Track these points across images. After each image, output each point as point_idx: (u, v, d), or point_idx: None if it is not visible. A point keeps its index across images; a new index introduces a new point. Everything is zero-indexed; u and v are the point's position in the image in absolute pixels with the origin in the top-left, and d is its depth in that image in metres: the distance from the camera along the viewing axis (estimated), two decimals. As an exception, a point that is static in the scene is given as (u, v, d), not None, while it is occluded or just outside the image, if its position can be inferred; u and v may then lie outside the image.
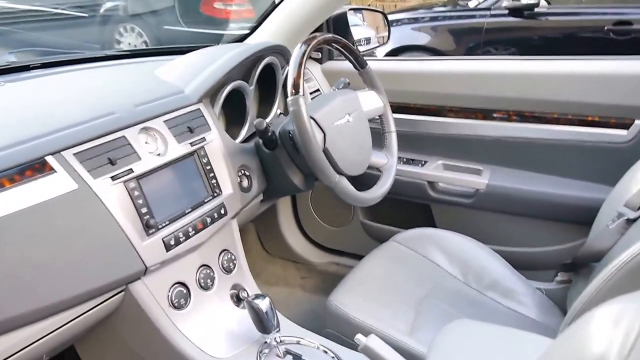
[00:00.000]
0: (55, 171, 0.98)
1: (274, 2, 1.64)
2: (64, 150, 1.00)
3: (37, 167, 0.96)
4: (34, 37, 3.86)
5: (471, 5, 4.81)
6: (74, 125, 1.04)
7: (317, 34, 1.32)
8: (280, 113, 1.59)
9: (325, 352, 1.21)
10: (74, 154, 1.01)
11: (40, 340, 1.00)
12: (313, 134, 1.21)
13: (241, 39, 1.73)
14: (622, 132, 1.55)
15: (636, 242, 0.94)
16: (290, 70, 1.22)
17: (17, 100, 1.19)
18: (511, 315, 1.37)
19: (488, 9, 4.59)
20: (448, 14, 4.94)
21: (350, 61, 1.46)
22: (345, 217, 2.01)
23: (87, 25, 4.34)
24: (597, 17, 4.21)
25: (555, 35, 4.33)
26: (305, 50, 1.24)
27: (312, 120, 1.24)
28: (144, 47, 3.86)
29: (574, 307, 1.02)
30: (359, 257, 1.54)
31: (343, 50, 1.43)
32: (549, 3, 4.45)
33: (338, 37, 1.39)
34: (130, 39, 4.18)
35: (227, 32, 4.02)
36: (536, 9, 4.29)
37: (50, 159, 0.97)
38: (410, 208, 1.83)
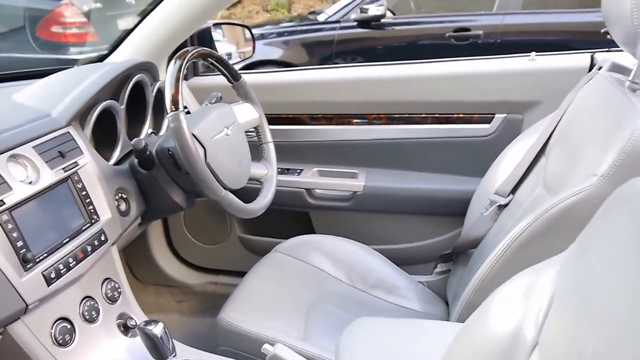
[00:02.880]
0: None
1: (138, 20, 1.60)
2: None
3: None
4: None
5: (320, 19, 4.99)
6: None
7: (189, 48, 1.31)
8: (152, 132, 1.55)
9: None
10: None
11: None
12: (196, 149, 1.19)
13: (100, 59, 1.66)
14: (485, 126, 1.70)
15: (509, 224, 1.05)
16: (168, 86, 1.19)
17: None
18: (397, 310, 1.45)
19: (337, 21, 4.80)
20: (299, 28, 5.08)
21: (225, 75, 1.46)
22: (222, 234, 1.99)
23: None
24: (439, 25, 4.60)
25: (402, 44, 4.65)
26: (181, 65, 1.22)
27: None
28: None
29: (466, 293, 1.11)
30: (239, 274, 1.54)
31: (217, 64, 1.42)
32: (393, 14, 4.76)
33: (212, 50, 1.38)
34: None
35: (67, 56, 3.80)
36: (382, 20, 4.57)
37: None
38: (289, 217, 1.86)
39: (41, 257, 1.04)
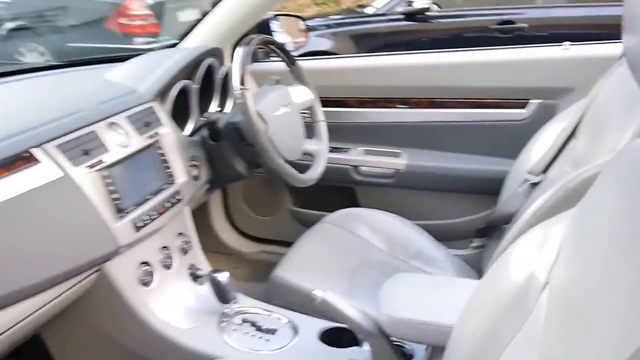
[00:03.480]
0: (39, 162, 1.08)
1: (206, 10, 1.79)
2: (45, 143, 1.11)
3: (23, 159, 1.07)
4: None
5: (368, 12, 5.13)
6: (48, 122, 1.15)
7: (252, 35, 1.49)
8: (218, 110, 1.74)
9: (279, 318, 1.37)
10: (55, 146, 1.12)
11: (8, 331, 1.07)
12: (259, 123, 1.37)
13: (173, 45, 1.86)
14: (521, 111, 1.81)
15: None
16: (236, 67, 1.37)
17: None
18: None
19: (384, 14, 4.93)
20: (347, 20, 5.23)
21: (283, 59, 1.64)
22: (274, 206, 2.17)
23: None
24: (483, 17, 4.68)
25: (447, 36, 4.74)
26: (247, 50, 1.41)
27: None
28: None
29: (490, 264, 1.24)
30: (288, 244, 1.68)
31: (276, 49, 1.60)
32: (439, 7, 4.86)
33: (272, 37, 1.57)
34: (31, 58, 4.11)
35: (133, 46, 4.06)
36: (427, 13, 4.69)
37: (34, 151, 1.08)
38: (336, 192, 2.02)
39: (131, 209, 1.24)
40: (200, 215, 2.19)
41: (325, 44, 4.94)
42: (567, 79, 1.74)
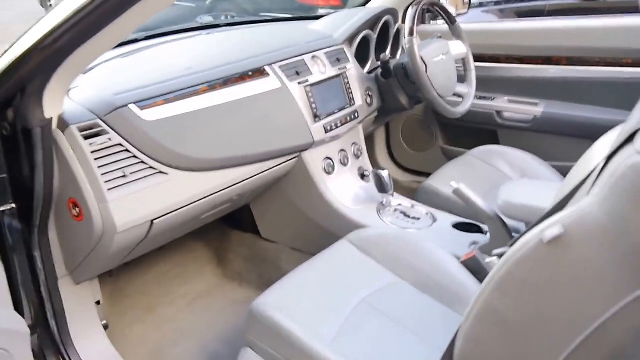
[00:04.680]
0: (269, 75, 1.62)
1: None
2: (273, 63, 1.65)
3: (259, 72, 1.61)
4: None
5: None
6: (276, 50, 1.70)
7: None
8: (390, 56, 2.19)
9: (423, 211, 1.79)
10: (279, 66, 1.66)
11: (240, 184, 1.55)
12: (422, 64, 1.80)
13: (363, 4, 2.33)
14: None
15: None
16: (408, 21, 1.81)
17: (229, 40, 1.86)
18: None
19: (553, -9, 5.04)
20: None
21: (444, 18, 2.04)
22: (428, 143, 2.58)
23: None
24: None
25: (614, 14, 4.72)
26: (417, 9, 1.84)
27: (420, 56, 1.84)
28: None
29: None
30: None
31: (440, 10, 2.01)
32: (606, -15, 4.85)
33: (437, 1, 1.98)
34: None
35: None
36: (596, -8, 4.72)
37: (266, 68, 1.62)
38: (480, 133, 2.37)
39: (323, 117, 1.75)
40: (368, 150, 2.68)
41: (492, 19, 5.16)
42: None
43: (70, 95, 1.29)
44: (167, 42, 1.78)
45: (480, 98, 2.29)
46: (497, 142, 2.32)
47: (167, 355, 1.68)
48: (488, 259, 1.31)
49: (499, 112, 2.29)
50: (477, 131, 2.37)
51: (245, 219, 2.03)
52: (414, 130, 2.61)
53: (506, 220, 1.47)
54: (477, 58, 2.19)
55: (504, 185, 1.61)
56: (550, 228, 0.67)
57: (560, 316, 0.72)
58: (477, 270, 1.41)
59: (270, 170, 1.66)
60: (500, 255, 1.20)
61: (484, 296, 0.79)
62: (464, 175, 1.93)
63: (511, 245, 0.79)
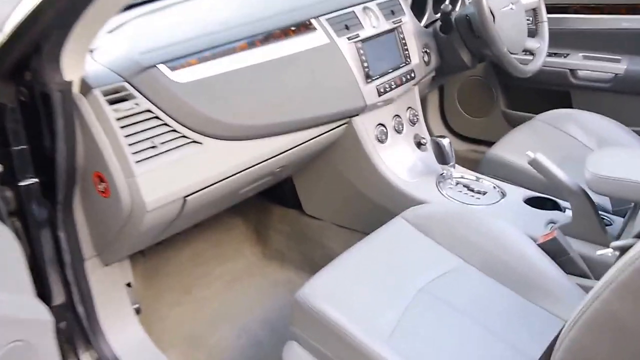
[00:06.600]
0: (315, 29, 1.44)
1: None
2: (321, 15, 1.46)
3: (304, 26, 1.43)
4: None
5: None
6: (322, 0, 1.50)
7: None
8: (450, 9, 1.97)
9: (490, 184, 1.60)
10: (326, 19, 1.46)
11: (283, 154, 1.40)
12: (489, 14, 1.58)
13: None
14: None
15: None
16: None
17: None
18: None
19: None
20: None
21: None
22: (488, 108, 2.35)
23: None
24: None
25: None
26: None
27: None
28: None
29: None
30: None
31: None
32: None
33: None
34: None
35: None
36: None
37: (313, 21, 1.44)
38: (549, 95, 2.14)
39: (376, 77, 1.56)
40: None
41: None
42: None
43: (94, 56, 1.14)
44: None
45: (551, 55, 2.05)
46: (569, 106, 2.08)
47: (205, 341, 1.56)
48: (600, 252, 1.11)
49: (572, 71, 2.05)
50: (546, 93, 2.14)
51: (288, 193, 1.87)
52: (472, 93, 2.37)
53: (592, 195, 1.28)
54: (549, 9, 1.95)
55: (590, 155, 1.40)
56: None
57: None
58: (557, 254, 1.23)
59: (317, 138, 1.49)
60: (621, 249, 1.01)
61: (600, 300, 0.64)
62: (533, 143, 1.73)
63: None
